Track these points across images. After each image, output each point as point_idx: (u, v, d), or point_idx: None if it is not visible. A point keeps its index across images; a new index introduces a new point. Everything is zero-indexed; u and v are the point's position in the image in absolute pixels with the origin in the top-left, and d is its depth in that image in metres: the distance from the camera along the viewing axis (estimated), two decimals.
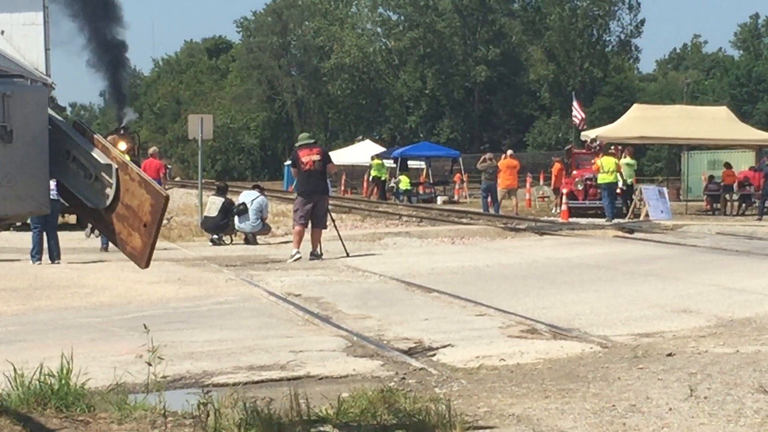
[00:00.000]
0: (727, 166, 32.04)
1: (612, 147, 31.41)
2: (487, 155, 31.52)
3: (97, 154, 4.75)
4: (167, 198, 4.69)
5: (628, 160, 29.84)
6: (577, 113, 39.36)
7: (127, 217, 4.70)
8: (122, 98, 36.13)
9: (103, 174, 4.73)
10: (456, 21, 79.22)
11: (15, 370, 5.99)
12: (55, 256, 16.04)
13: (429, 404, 6.02)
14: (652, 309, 10.42)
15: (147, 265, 4.80)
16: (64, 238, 18.80)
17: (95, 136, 4.84)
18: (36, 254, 16.03)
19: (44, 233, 16.10)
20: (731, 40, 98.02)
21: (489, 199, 29.72)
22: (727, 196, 30.79)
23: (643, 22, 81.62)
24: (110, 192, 4.71)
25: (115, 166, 4.72)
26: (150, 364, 5.73)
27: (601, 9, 79.07)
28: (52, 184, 16.02)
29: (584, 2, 79.06)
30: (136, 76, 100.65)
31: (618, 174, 27.20)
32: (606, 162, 27.04)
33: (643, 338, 8.69)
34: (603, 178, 26.75)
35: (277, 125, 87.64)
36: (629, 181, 29.01)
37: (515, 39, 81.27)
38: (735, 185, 30.62)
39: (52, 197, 15.13)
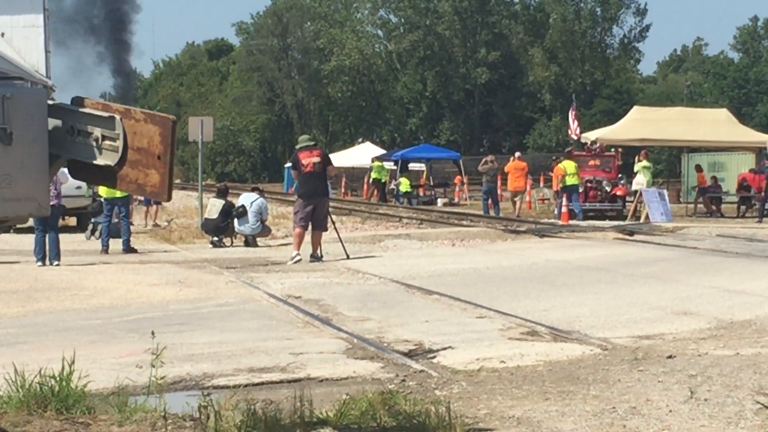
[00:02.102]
0: (698, 169, 32.31)
1: (613, 149, 31.46)
2: (489, 157, 31.52)
3: (97, 113, 4.78)
4: (175, 121, 4.71)
5: (644, 162, 29.94)
6: (572, 124, 38.35)
7: (141, 159, 4.72)
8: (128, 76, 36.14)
9: (108, 129, 4.75)
10: (456, 23, 79.21)
11: (16, 371, 5.98)
12: (53, 257, 16.07)
13: (429, 406, 6.02)
14: (653, 311, 10.42)
15: (169, 198, 4.79)
16: (65, 240, 18.81)
17: (91, 100, 4.87)
18: (38, 253, 16.11)
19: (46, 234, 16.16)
20: (731, 42, 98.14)
21: (489, 201, 29.72)
22: (713, 197, 30.88)
23: (648, 27, 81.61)
24: (119, 143, 4.73)
25: (117, 116, 4.74)
26: (153, 366, 5.73)
27: (605, 11, 79.01)
28: (52, 188, 16.13)
29: (587, 4, 79.01)
30: (136, 77, 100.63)
31: (578, 177, 27.88)
32: (567, 165, 27.72)
33: (644, 340, 8.69)
34: (570, 180, 27.45)
35: (277, 127, 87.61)
36: (647, 183, 29.09)
37: (515, 41, 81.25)
38: (735, 187, 30.73)
39: (54, 203, 15.14)
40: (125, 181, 4.82)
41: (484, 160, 30.99)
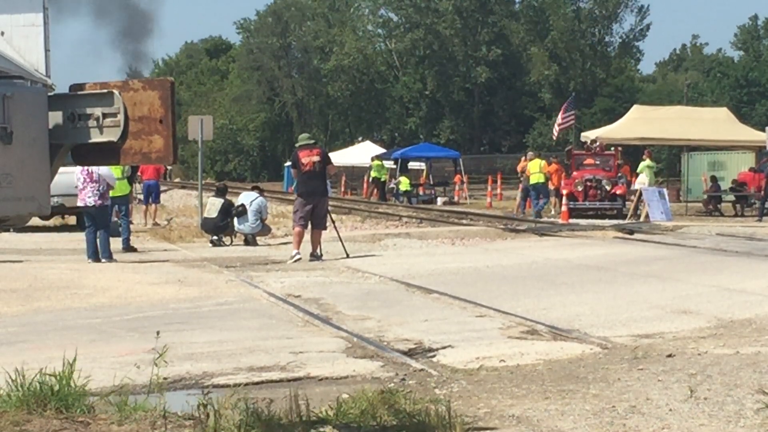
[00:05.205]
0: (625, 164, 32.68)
1: (612, 148, 31.46)
2: (529, 155, 31.65)
3: (95, 92, 4.78)
4: (173, 82, 4.72)
5: (648, 162, 29.98)
6: (560, 120, 37.98)
7: (143, 128, 4.72)
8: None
9: (107, 106, 4.76)
10: (457, 22, 79.20)
11: (16, 370, 5.98)
12: (103, 253, 16.39)
13: (429, 405, 6.02)
14: (652, 310, 10.42)
15: (175, 160, 4.81)
16: (65, 239, 18.84)
17: (88, 84, 4.87)
18: (89, 249, 16.42)
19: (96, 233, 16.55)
20: (731, 41, 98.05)
21: (527, 199, 29.60)
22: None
23: (648, 26, 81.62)
24: (120, 117, 4.73)
25: (115, 91, 4.74)
26: (156, 365, 5.74)
27: (605, 10, 78.99)
28: (97, 187, 16.90)
29: (588, 4, 79.05)
30: (135, 76, 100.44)
31: (545, 175, 28.48)
32: (532, 165, 28.69)
33: (643, 339, 8.69)
34: (536, 179, 28.37)
35: (276, 126, 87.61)
36: (650, 182, 29.16)
37: (516, 40, 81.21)
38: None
39: (96, 203, 15.85)
40: (129, 154, 4.82)
41: (524, 158, 31.12)
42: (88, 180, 16.27)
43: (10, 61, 4.98)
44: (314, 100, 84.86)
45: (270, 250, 18.59)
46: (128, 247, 18.43)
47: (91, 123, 4.79)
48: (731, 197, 30.59)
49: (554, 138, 34.43)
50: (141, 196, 27.84)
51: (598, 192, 28.92)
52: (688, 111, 38.85)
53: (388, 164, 44.01)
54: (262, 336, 9.04)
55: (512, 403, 6.42)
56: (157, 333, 6.12)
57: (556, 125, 38.45)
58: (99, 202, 16.40)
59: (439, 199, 41.49)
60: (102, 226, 16.46)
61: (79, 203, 16.62)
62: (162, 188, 35.19)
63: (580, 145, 34.57)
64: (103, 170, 16.16)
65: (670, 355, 7.82)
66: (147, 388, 6.17)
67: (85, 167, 15.40)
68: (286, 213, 26.12)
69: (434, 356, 8.06)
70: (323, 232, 16.69)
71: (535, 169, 28.67)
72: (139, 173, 25.46)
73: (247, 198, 20.16)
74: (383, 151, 51.33)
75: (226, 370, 7.47)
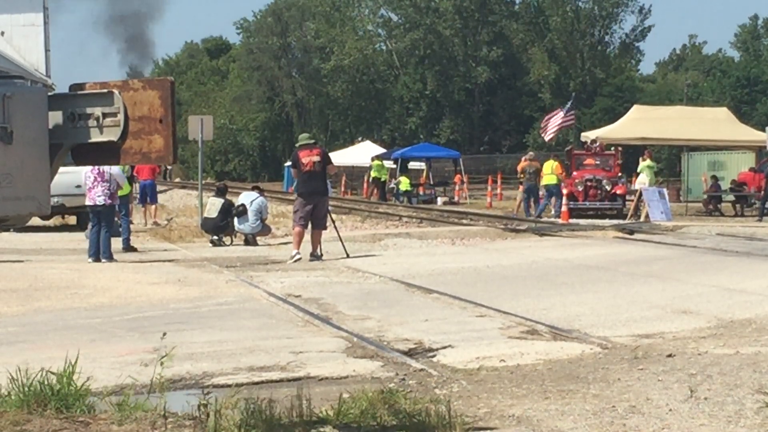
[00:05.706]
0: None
1: (613, 148, 31.46)
2: (529, 155, 31.53)
3: (95, 92, 4.78)
4: (173, 82, 4.72)
5: (648, 162, 29.97)
6: (551, 123, 37.65)
7: (143, 128, 4.71)
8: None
9: (107, 105, 4.75)
10: (457, 22, 79.20)
11: (17, 370, 5.98)
12: (103, 253, 16.42)
13: (429, 405, 6.02)
14: (653, 310, 10.42)
15: (175, 160, 4.81)
16: (65, 239, 18.82)
17: (88, 84, 4.87)
18: (91, 249, 16.46)
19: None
20: (731, 41, 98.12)
21: (531, 200, 29.52)
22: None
23: (650, 28, 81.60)
24: (120, 117, 4.73)
25: (115, 91, 4.74)
26: (162, 364, 5.74)
27: (602, 10, 78.98)
28: (107, 188, 17.07)
29: (586, 4, 79.06)
30: (136, 75, 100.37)
31: (558, 176, 28.59)
32: (545, 166, 29.04)
33: (643, 339, 8.69)
34: (547, 180, 28.65)
35: (276, 126, 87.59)
36: (650, 182, 29.17)
37: (516, 40, 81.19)
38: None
39: (106, 202, 16.04)
40: (129, 154, 4.81)
41: (524, 159, 30.91)
42: (99, 179, 16.32)
43: (11, 61, 4.97)
44: (314, 100, 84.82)
45: (270, 250, 18.59)
46: (128, 247, 18.43)
47: (91, 123, 4.79)
48: (731, 197, 30.58)
49: (547, 141, 34.54)
50: (138, 196, 27.81)
51: (599, 192, 28.93)
52: (688, 111, 38.85)
53: (388, 164, 44.00)
54: (262, 336, 9.04)
55: (512, 403, 6.43)
56: (164, 334, 6.15)
57: (543, 125, 38.32)
58: (109, 201, 16.54)
59: (439, 199, 41.48)
60: (107, 225, 16.54)
61: (88, 202, 16.66)
62: (162, 188, 35.23)
63: (580, 145, 34.55)
64: (114, 170, 16.23)
65: (670, 355, 7.82)
66: (147, 387, 6.17)
67: (96, 166, 15.47)
68: (286, 213, 26.11)
69: (434, 356, 8.06)
70: (323, 232, 16.69)
71: (547, 170, 28.71)
72: (134, 173, 25.46)
73: (247, 198, 20.16)
74: (383, 151, 51.32)
75: (226, 370, 7.47)
